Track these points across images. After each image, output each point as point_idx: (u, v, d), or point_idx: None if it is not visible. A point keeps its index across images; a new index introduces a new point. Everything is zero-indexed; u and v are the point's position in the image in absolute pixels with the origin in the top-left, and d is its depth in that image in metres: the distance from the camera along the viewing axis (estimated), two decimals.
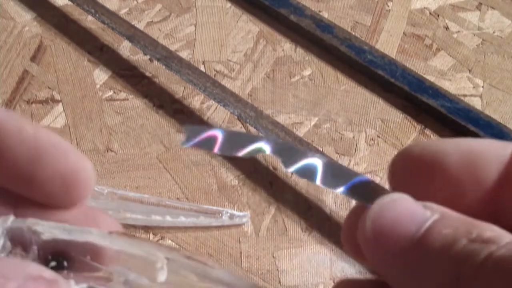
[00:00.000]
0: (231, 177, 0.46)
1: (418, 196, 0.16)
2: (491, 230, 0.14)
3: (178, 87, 0.51)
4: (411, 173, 0.17)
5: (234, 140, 0.17)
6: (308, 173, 0.17)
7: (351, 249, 0.17)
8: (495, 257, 0.14)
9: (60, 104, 0.50)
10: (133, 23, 0.53)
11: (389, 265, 0.15)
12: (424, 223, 0.15)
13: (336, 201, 0.45)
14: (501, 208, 0.16)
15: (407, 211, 0.16)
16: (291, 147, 0.18)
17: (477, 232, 0.14)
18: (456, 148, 0.16)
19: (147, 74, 0.52)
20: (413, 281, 0.15)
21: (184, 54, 0.53)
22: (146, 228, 0.43)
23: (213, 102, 0.49)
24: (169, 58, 0.49)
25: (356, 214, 0.17)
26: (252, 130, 0.48)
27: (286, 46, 0.54)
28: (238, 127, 0.49)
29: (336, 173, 0.17)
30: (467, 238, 0.14)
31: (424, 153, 0.17)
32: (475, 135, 0.47)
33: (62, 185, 0.17)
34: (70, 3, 0.54)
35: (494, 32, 0.55)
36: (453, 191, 0.16)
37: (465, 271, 0.14)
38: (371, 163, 0.47)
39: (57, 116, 0.49)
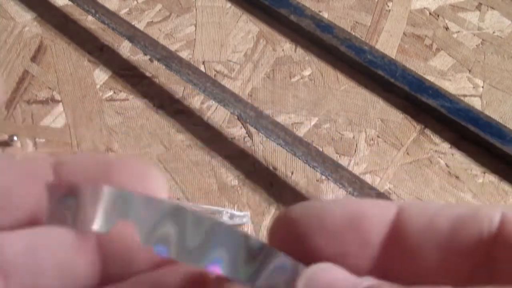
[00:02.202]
0: (231, 177, 0.46)
1: (302, 259, 0.15)
2: None
3: (178, 87, 0.51)
4: (292, 236, 0.16)
5: None
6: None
7: None
8: None
9: (60, 104, 0.50)
10: (133, 23, 0.53)
11: None
12: (359, 286, 0.14)
13: None
14: (390, 268, 0.16)
15: (340, 276, 0.15)
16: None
17: None
18: (340, 209, 0.16)
19: (147, 74, 0.52)
20: None
21: (184, 54, 0.53)
22: None
23: (213, 102, 0.49)
24: (169, 58, 0.49)
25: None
26: (252, 130, 0.48)
27: (286, 46, 0.54)
28: (238, 127, 0.49)
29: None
30: None
31: (304, 215, 0.16)
32: (475, 135, 0.47)
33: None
34: (70, 3, 0.54)
35: (494, 32, 0.55)
36: (337, 252, 0.16)
37: None
38: (371, 163, 0.47)
39: (57, 116, 0.49)
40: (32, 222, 0.16)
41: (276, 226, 0.16)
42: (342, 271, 0.15)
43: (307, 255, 0.16)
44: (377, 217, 0.16)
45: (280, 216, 0.16)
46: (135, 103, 0.50)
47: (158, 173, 0.17)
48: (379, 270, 0.16)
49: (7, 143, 0.47)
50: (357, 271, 0.15)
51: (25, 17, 0.55)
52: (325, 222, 0.16)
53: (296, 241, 0.16)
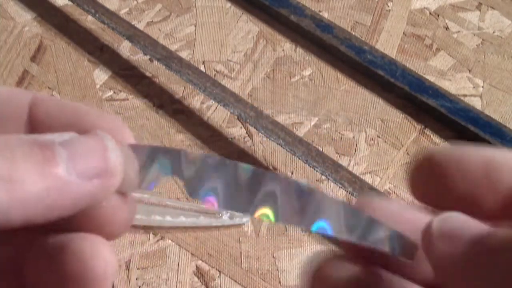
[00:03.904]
0: None
1: (437, 202, 0.16)
2: None
3: (178, 87, 0.51)
4: (434, 178, 0.17)
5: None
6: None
7: (420, 197, 0.17)
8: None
9: None
10: (133, 23, 0.53)
11: (456, 264, 0.15)
12: (489, 228, 0.15)
13: None
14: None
15: (473, 222, 0.16)
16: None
17: None
18: (476, 156, 0.17)
19: (147, 74, 0.52)
20: (482, 280, 0.14)
21: (184, 54, 0.53)
22: (146, 228, 0.43)
23: (213, 102, 0.49)
24: (169, 58, 0.49)
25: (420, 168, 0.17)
26: (252, 130, 0.48)
27: (286, 46, 0.54)
28: (238, 127, 0.49)
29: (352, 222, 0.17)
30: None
31: (448, 159, 0.17)
32: (475, 135, 0.47)
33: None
34: (70, 3, 0.54)
35: (494, 32, 0.55)
36: (470, 195, 0.17)
37: None
38: (371, 163, 0.47)
39: None
40: None
41: (420, 165, 0.18)
42: (473, 220, 0.16)
43: (444, 196, 0.17)
44: (509, 166, 0.16)
45: (425, 157, 0.17)
46: (135, 103, 0.50)
47: (126, 127, 0.18)
48: (502, 219, 0.16)
49: None
50: (483, 218, 0.16)
51: (25, 17, 0.55)
52: (463, 166, 0.17)
53: (436, 182, 0.17)
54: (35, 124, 0.18)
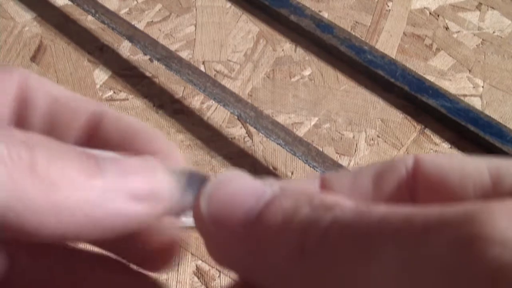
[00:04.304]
0: None
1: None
2: (334, 197, 0.14)
3: (178, 87, 0.51)
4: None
5: None
6: None
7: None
8: (341, 222, 0.13)
9: None
10: (133, 23, 0.53)
11: (229, 245, 0.14)
12: (263, 197, 0.14)
13: None
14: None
15: (244, 186, 0.15)
16: None
17: (319, 199, 0.14)
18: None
19: (147, 74, 0.52)
20: (257, 260, 0.14)
21: (184, 54, 0.53)
22: None
23: (213, 102, 0.49)
24: (169, 58, 0.49)
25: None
26: (252, 130, 0.48)
27: (286, 46, 0.54)
28: (238, 127, 0.49)
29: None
30: (309, 206, 0.13)
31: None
32: (475, 135, 0.47)
33: None
34: (70, 3, 0.54)
35: (494, 32, 0.55)
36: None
37: (310, 240, 0.13)
38: (371, 163, 0.47)
39: None
40: None
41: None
42: (249, 180, 0.15)
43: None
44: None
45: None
46: (135, 103, 0.50)
47: (178, 151, 0.17)
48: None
49: None
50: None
51: (25, 17, 0.55)
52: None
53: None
54: (90, 135, 0.17)
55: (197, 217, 0.15)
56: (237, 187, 0.15)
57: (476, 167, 0.15)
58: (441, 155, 0.16)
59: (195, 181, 0.16)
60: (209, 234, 0.15)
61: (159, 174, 0.15)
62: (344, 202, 0.13)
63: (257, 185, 0.15)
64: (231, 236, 0.14)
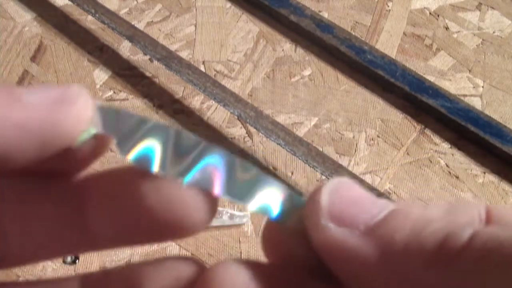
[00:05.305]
0: None
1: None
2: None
3: (178, 87, 0.51)
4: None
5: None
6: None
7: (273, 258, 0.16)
8: (484, 235, 0.13)
9: None
10: (133, 23, 0.53)
11: (341, 245, 0.14)
12: (386, 208, 0.14)
13: None
14: None
15: (367, 194, 0.15)
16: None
17: (453, 216, 0.14)
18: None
19: (147, 74, 0.52)
20: (380, 267, 0.14)
21: (184, 54, 0.53)
22: None
23: (213, 102, 0.49)
24: (169, 58, 0.49)
25: (271, 230, 0.16)
26: (252, 130, 0.48)
27: (286, 46, 0.54)
28: (238, 127, 0.49)
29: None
30: (440, 221, 0.13)
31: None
32: (475, 135, 0.47)
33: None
34: (70, 3, 0.54)
35: (494, 32, 0.55)
36: None
37: (449, 250, 0.13)
38: (371, 163, 0.47)
39: None
40: None
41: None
42: (365, 191, 0.15)
43: None
44: None
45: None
46: (135, 103, 0.50)
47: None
48: None
49: None
50: None
51: (25, 17, 0.55)
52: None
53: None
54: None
55: (311, 207, 0.15)
56: (361, 192, 0.15)
57: None
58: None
59: (125, 124, 0.15)
60: (320, 227, 0.14)
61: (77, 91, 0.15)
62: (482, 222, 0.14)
63: (378, 198, 0.15)
64: (348, 235, 0.14)
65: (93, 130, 0.15)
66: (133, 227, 0.15)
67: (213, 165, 0.15)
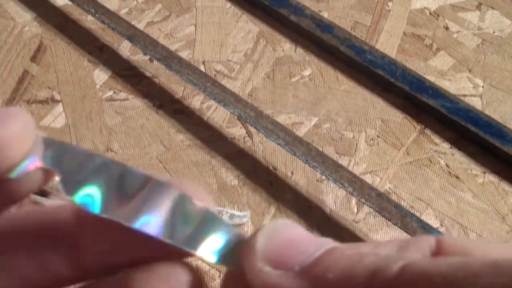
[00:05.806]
0: (231, 177, 0.46)
1: None
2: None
3: (178, 87, 0.51)
4: None
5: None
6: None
7: None
8: (413, 268, 0.13)
9: (60, 104, 0.50)
10: (133, 23, 0.53)
11: (278, 285, 0.14)
12: (323, 246, 0.15)
13: (336, 201, 0.45)
14: None
15: (304, 234, 0.15)
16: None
17: (383, 251, 0.14)
18: None
19: (147, 74, 0.52)
20: None
21: (184, 54, 0.53)
22: None
23: (213, 102, 0.49)
24: (169, 58, 0.49)
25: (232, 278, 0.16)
26: (252, 130, 0.48)
27: (286, 46, 0.54)
28: (238, 127, 0.49)
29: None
30: (373, 256, 0.14)
31: None
32: (475, 135, 0.47)
33: None
34: (70, 3, 0.54)
35: (494, 32, 0.55)
36: None
37: (376, 286, 0.13)
38: (371, 163, 0.47)
39: (57, 116, 0.49)
40: None
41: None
42: (304, 230, 0.15)
43: None
44: None
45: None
46: (135, 103, 0.50)
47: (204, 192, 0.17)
48: None
49: None
50: None
51: (25, 17, 0.55)
52: None
53: None
54: None
55: (248, 252, 0.15)
56: (300, 232, 0.15)
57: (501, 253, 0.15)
58: (464, 239, 0.16)
59: (63, 158, 0.15)
60: (255, 271, 0.15)
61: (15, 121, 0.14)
62: (408, 254, 0.14)
63: (316, 237, 0.15)
64: (283, 277, 0.14)
65: (33, 161, 0.15)
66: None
67: (159, 212, 0.15)
